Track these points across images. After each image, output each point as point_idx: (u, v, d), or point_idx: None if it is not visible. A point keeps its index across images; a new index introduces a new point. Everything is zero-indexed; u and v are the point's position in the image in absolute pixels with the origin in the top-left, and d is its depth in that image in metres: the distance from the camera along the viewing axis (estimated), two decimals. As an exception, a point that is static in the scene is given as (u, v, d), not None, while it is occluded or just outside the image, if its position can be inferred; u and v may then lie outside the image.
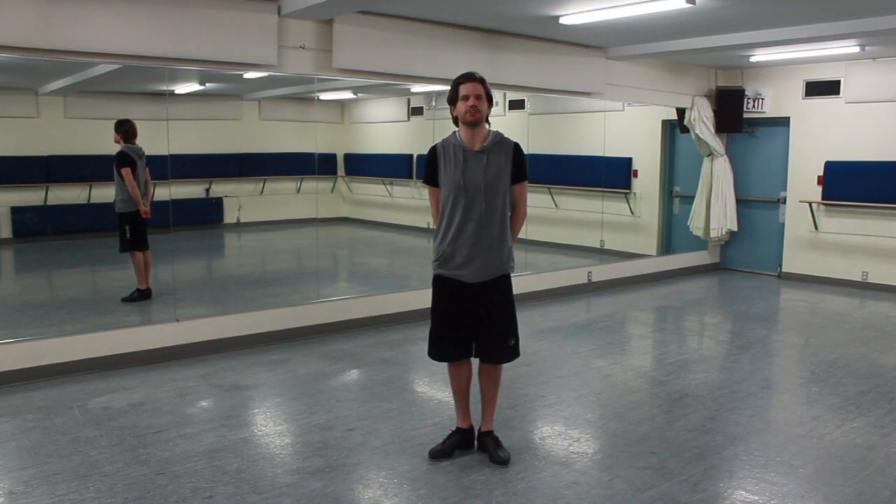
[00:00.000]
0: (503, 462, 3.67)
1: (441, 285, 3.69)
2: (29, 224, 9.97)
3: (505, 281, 3.70)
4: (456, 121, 3.59)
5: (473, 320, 3.66)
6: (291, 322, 6.09)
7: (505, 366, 3.86)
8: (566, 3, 5.74)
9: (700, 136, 9.08)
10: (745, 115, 9.23)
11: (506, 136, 3.64)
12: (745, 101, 9.22)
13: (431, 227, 3.76)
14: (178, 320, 5.61)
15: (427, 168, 3.66)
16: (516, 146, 3.62)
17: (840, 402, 4.69)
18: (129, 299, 6.87)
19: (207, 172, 11.78)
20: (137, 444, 3.91)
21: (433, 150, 3.64)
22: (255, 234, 12.49)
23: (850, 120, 8.52)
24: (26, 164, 9.94)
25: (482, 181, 3.52)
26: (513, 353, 3.75)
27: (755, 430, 4.22)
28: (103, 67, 6.07)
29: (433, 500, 3.34)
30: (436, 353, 3.77)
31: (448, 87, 3.59)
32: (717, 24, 6.45)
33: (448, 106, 3.61)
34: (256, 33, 5.49)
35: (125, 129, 6.86)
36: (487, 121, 3.59)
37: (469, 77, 3.52)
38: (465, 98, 3.48)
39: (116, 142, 6.83)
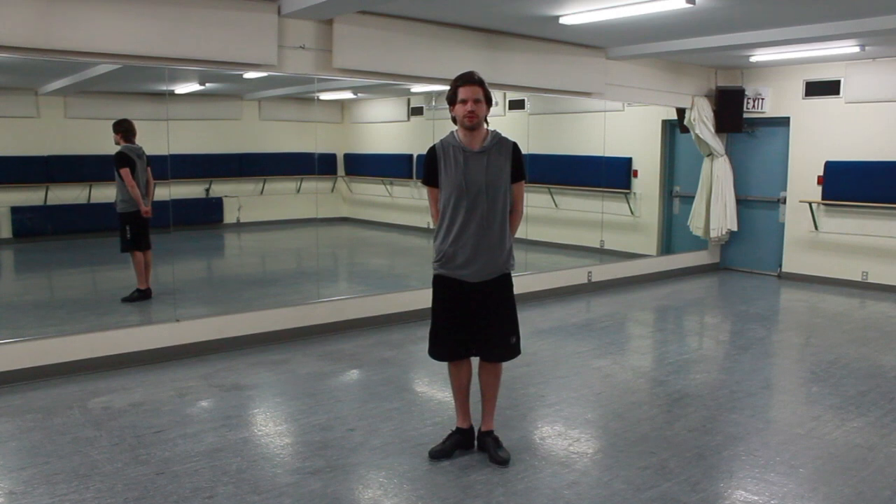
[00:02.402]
0: (503, 462, 3.67)
1: (442, 285, 3.70)
2: (29, 224, 9.97)
3: (506, 280, 3.71)
4: (455, 120, 3.59)
5: (474, 319, 3.67)
6: (291, 322, 6.09)
7: (505, 366, 3.86)
8: (566, 3, 5.74)
9: (700, 136, 9.08)
10: (745, 115, 9.23)
11: (503, 135, 3.64)
12: (745, 101, 9.22)
13: (431, 227, 3.76)
14: (178, 320, 5.61)
15: (426, 169, 3.66)
16: (515, 146, 3.64)
17: (840, 402, 4.69)
18: (129, 299, 6.87)
19: (207, 172, 11.77)
20: (137, 444, 3.91)
21: (432, 150, 3.64)
22: (255, 234, 12.48)
23: (850, 120, 8.52)
24: (26, 164, 9.94)
25: (483, 181, 3.52)
26: (514, 350, 3.76)
27: (755, 430, 4.22)
28: (103, 67, 6.06)
29: (433, 500, 3.34)
30: (436, 352, 3.77)
31: (448, 87, 3.59)
32: (717, 24, 6.45)
33: (447, 105, 3.62)
34: (256, 33, 5.49)
35: (124, 129, 6.85)
36: (486, 120, 3.59)
37: (468, 80, 3.50)
38: (464, 102, 3.48)
39: (117, 143, 6.83)
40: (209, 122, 11.71)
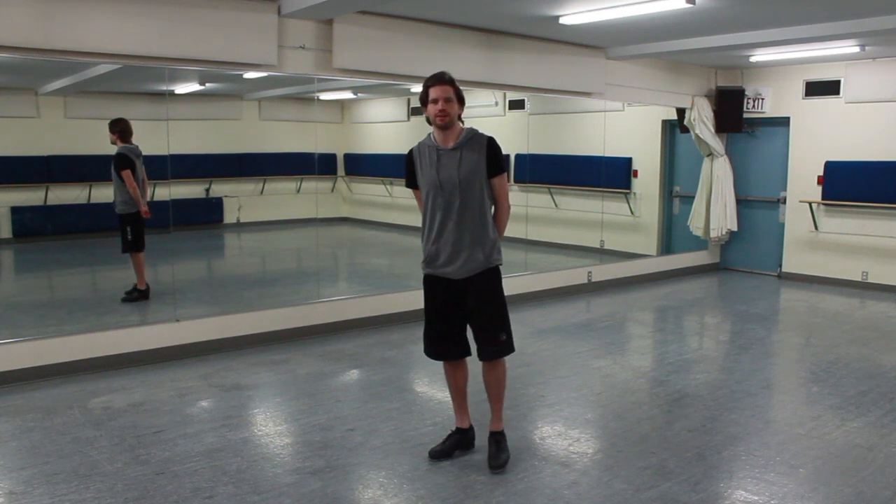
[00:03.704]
0: (495, 468, 3.61)
1: (430, 284, 3.71)
2: (29, 224, 9.97)
3: (491, 275, 3.64)
4: (429, 121, 3.60)
5: (463, 317, 3.66)
6: (291, 322, 6.09)
7: (506, 366, 3.83)
8: (566, 3, 5.74)
9: (700, 136, 9.08)
10: (745, 115, 9.23)
11: (480, 131, 3.60)
12: (745, 101, 9.22)
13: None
14: (178, 320, 5.61)
15: (406, 171, 3.71)
16: (490, 140, 3.58)
17: (840, 402, 4.69)
18: (129, 299, 6.87)
19: (207, 172, 11.77)
20: (137, 444, 3.91)
21: (410, 153, 3.69)
22: (255, 234, 12.48)
23: (850, 120, 8.52)
24: (26, 164, 9.93)
25: (457, 178, 3.51)
26: (505, 348, 3.68)
27: (755, 430, 4.23)
28: (103, 67, 6.06)
29: (433, 500, 3.34)
30: (431, 352, 3.77)
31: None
32: (717, 24, 6.45)
33: (422, 107, 3.62)
34: (256, 33, 5.49)
35: (121, 129, 6.82)
36: (461, 119, 3.59)
37: (438, 79, 3.51)
38: (434, 102, 3.49)
39: (113, 142, 6.81)
40: (209, 122, 11.71)
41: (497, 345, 3.66)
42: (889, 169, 8.16)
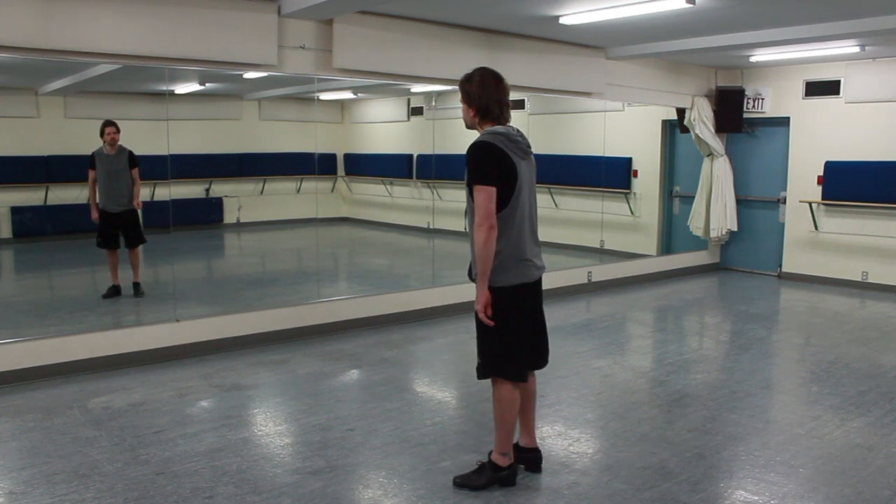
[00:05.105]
0: (455, 480, 3.45)
1: None
2: (29, 224, 9.97)
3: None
4: None
5: None
6: (291, 322, 6.09)
7: (507, 395, 3.42)
8: (566, 3, 5.74)
9: (700, 136, 9.08)
10: (745, 115, 9.24)
11: (483, 135, 3.36)
12: (745, 101, 9.23)
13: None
14: (178, 320, 5.61)
15: None
16: (471, 147, 3.28)
17: (840, 402, 4.69)
18: (139, 293, 6.88)
19: (207, 172, 11.78)
20: (137, 444, 3.91)
21: None
22: (255, 234, 12.48)
23: (850, 120, 8.52)
24: (26, 164, 9.93)
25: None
26: (478, 372, 3.41)
27: (755, 430, 4.23)
28: (103, 67, 6.06)
29: (433, 500, 3.34)
30: None
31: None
32: (717, 24, 6.45)
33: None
34: (256, 33, 5.48)
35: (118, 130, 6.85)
36: (489, 121, 3.46)
37: None
38: None
39: (113, 143, 6.79)
40: (209, 122, 11.71)
41: (478, 365, 3.42)
42: (889, 169, 8.16)
